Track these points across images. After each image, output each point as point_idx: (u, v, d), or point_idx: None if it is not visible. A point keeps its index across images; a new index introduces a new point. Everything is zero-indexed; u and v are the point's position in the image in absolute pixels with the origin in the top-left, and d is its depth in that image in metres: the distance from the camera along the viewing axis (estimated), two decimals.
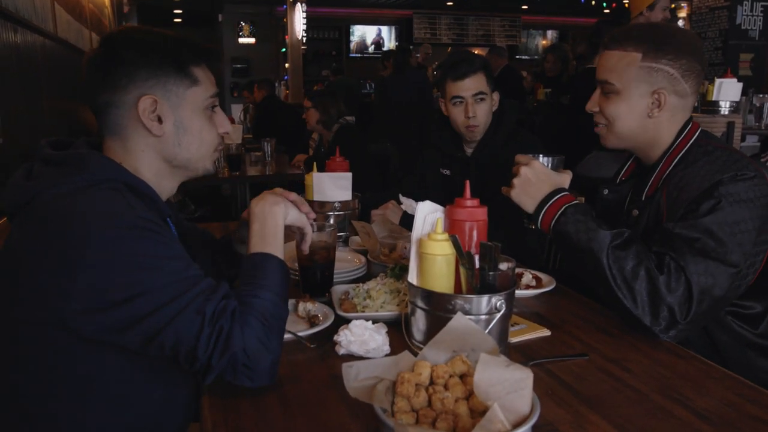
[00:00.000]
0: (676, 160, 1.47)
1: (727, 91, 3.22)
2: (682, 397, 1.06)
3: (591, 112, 1.56)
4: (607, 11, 12.01)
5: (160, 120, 1.17)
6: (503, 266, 1.19)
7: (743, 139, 4.11)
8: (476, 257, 1.17)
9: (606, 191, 1.68)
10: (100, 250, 1.01)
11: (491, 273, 1.15)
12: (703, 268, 1.28)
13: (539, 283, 1.63)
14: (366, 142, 4.42)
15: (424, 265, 1.21)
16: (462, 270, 1.18)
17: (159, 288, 1.02)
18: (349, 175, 2.13)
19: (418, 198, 2.54)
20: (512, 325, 1.31)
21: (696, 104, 3.56)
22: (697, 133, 1.50)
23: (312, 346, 1.25)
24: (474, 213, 1.24)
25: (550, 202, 1.44)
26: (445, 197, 2.31)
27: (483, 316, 1.14)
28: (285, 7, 9.79)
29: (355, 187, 2.37)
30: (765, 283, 1.40)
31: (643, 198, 1.53)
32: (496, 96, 2.32)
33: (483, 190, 2.28)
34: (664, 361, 1.21)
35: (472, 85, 2.24)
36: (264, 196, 1.27)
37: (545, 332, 1.32)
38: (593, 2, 11.07)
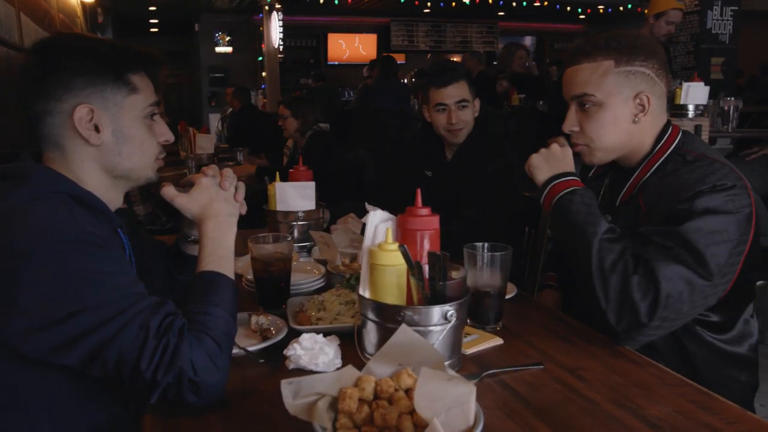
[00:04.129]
0: (654, 168, 1.45)
1: (695, 95, 3.24)
2: (634, 405, 1.04)
3: (570, 132, 1.51)
4: (582, 17, 12.14)
5: (97, 129, 1.13)
6: (454, 275, 1.17)
7: (714, 142, 4.14)
8: (426, 267, 1.15)
9: None
10: (42, 266, 0.98)
11: (441, 283, 1.13)
12: (674, 275, 1.26)
13: None
14: (340, 150, 4.39)
15: (374, 276, 1.18)
16: (412, 281, 1.15)
17: (101, 304, 0.99)
18: (312, 184, 2.10)
19: (402, 199, 2.56)
20: (465, 336, 1.29)
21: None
22: (677, 139, 1.47)
23: (261, 361, 1.22)
24: (426, 222, 1.22)
25: (564, 178, 1.45)
26: (427, 199, 2.33)
27: (433, 327, 1.11)
28: (261, 15, 9.74)
29: (329, 196, 2.33)
30: (737, 295, 1.39)
31: (617, 203, 1.51)
32: (477, 103, 2.36)
33: (462, 194, 2.30)
34: (620, 369, 1.19)
35: (455, 92, 2.28)
36: (215, 212, 1.24)
37: (498, 341, 1.30)
38: (568, 8, 11.16)
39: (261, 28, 9.99)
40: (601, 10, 11.49)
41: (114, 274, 1.03)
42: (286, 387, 0.91)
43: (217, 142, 7.55)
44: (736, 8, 6.23)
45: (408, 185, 2.60)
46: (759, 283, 3.41)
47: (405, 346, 0.98)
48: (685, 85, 3.27)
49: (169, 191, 1.26)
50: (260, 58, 10.81)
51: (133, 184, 1.25)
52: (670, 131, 1.48)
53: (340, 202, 3.04)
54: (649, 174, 1.46)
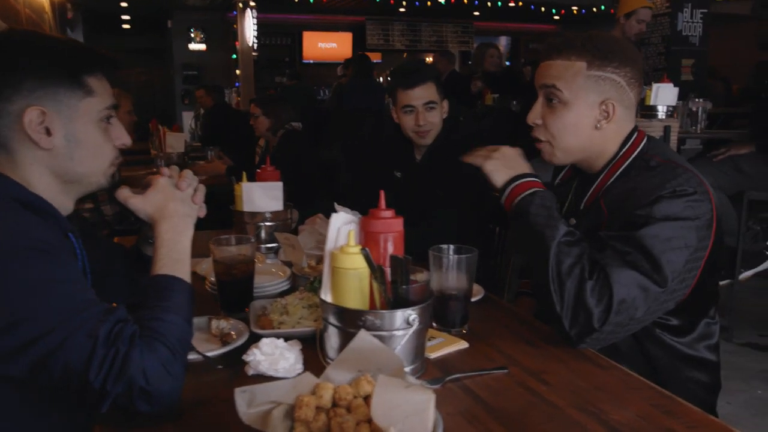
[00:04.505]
0: (617, 173, 1.44)
1: (664, 96, 3.27)
2: (597, 410, 1.03)
3: (533, 124, 1.49)
4: (556, 17, 12.23)
5: (48, 132, 1.09)
6: (418, 278, 1.15)
7: (683, 143, 4.19)
8: (388, 270, 1.13)
9: None
10: None
11: (404, 287, 1.11)
12: (628, 280, 1.25)
13: None
14: (313, 149, 4.36)
15: (336, 279, 1.16)
16: (374, 284, 1.13)
17: (47, 312, 0.95)
18: (280, 184, 2.07)
19: (372, 200, 2.54)
20: (429, 340, 1.27)
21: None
22: (641, 144, 1.46)
23: (219, 367, 1.19)
24: (389, 224, 1.20)
25: (525, 179, 1.43)
26: (396, 200, 2.32)
27: (396, 332, 1.09)
28: (235, 13, 9.64)
29: (302, 196, 2.28)
30: (698, 298, 1.39)
31: (582, 207, 1.51)
32: (446, 104, 2.35)
33: (432, 196, 2.28)
34: (584, 372, 1.18)
35: (422, 94, 2.26)
36: (170, 213, 1.20)
37: (463, 344, 1.29)
38: (543, 9, 11.23)
39: (235, 26, 9.89)
40: (575, 11, 11.58)
41: (61, 282, 0.99)
42: (240, 395, 0.88)
43: (191, 141, 7.48)
44: (706, 11, 6.32)
45: (377, 186, 2.59)
46: (723, 282, 3.47)
47: (364, 351, 0.95)
48: (654, 86, 3.30)
49: (123, 192, 1.22)
50: (234, 56, 10.70)
51: (85, 190, 1.21)
52: (634, 137, 1.47)
53: (314, 202, 3.01)
54: (612, 179, 1.45)
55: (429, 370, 1.19)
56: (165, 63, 13.02)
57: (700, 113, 3.46)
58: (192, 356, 1.18)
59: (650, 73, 6.20)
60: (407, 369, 1.14)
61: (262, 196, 2.05)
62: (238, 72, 10.04)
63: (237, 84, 10.16)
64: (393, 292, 1.11)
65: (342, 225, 1.21)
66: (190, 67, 11.53)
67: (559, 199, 1.62)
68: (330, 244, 1.20)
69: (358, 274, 1.14)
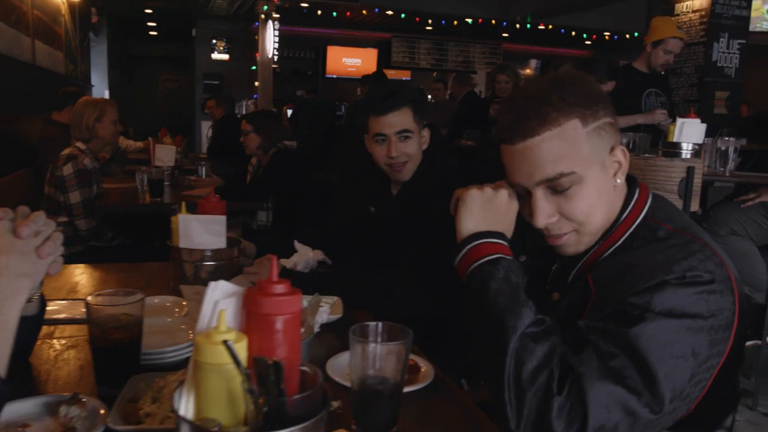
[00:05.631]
0: (617, 244, 1.12)
1: (690, 133, 2.91)
2: None
3: (547, 225, 1.13)
4: (588, 42, 11.87)
5: None
6: (307, 376, 0.84)
7: (710, 185, 3.82)
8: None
9: (523, 257, 1.32)
10: None
11: (279, 398, 0.80)
12: (609, 399, 0.92)
13: (414, 375, 1.27)
14: (306, 170, 4.08)
15: (198, 377, 0.85)
16: (242, 391, 0.82)
17: None
18: (223, 218, 1.78)
19: (341, 237, 2.20)
20: None
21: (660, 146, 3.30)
22: (646, 207, 1.14)
23: None
24: (278, 304, 0.88)
25: (491, 239, 1.12)
26: (370, 236, 1.97)
27: None
28: (257, 24, 9.52)
29: (292, 219, 2.03)
30: (709, 409, 1.06)
31: (570, 280, 1.19)
32: (426, 133, 2.04)
33: (403, 240, 1.95)
34: None
35: (395, 121, 1.96)
36: None
37: None
38: (573, 33, 10.90)
39: (257, 37, 9.76)
40: (607, 37, 11.24)
41: None
42: None
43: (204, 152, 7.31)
44: (744, 41, 5.93)
45: (353, 220, 2.29)
46: (749, 343, 3.08)
47: None
48: (679, 121, 2.95)
49: None
50: (253, 68, 10.59)
51: None
52: (637, 195, 1.15)
53: (305, 227, 2.71)
54: (610, 250, 1.12)
55: None
56: (191, 71, 13.01)
57: (730, 153, 3.10)
58: None
59: (681, 104, 5.82)
60: None
61: (201, 232, 1.77)
62: (256, 84, 9.89)
63: (255, 96, 10.01)
64: (266, 405, 0.80)
65: (221, 299, 0.91)
66: (212, 77, 11.47)
67: (544, 262, 1.29)
68: (201, 325, 0.89)
69: (224, 373, 0.83)
